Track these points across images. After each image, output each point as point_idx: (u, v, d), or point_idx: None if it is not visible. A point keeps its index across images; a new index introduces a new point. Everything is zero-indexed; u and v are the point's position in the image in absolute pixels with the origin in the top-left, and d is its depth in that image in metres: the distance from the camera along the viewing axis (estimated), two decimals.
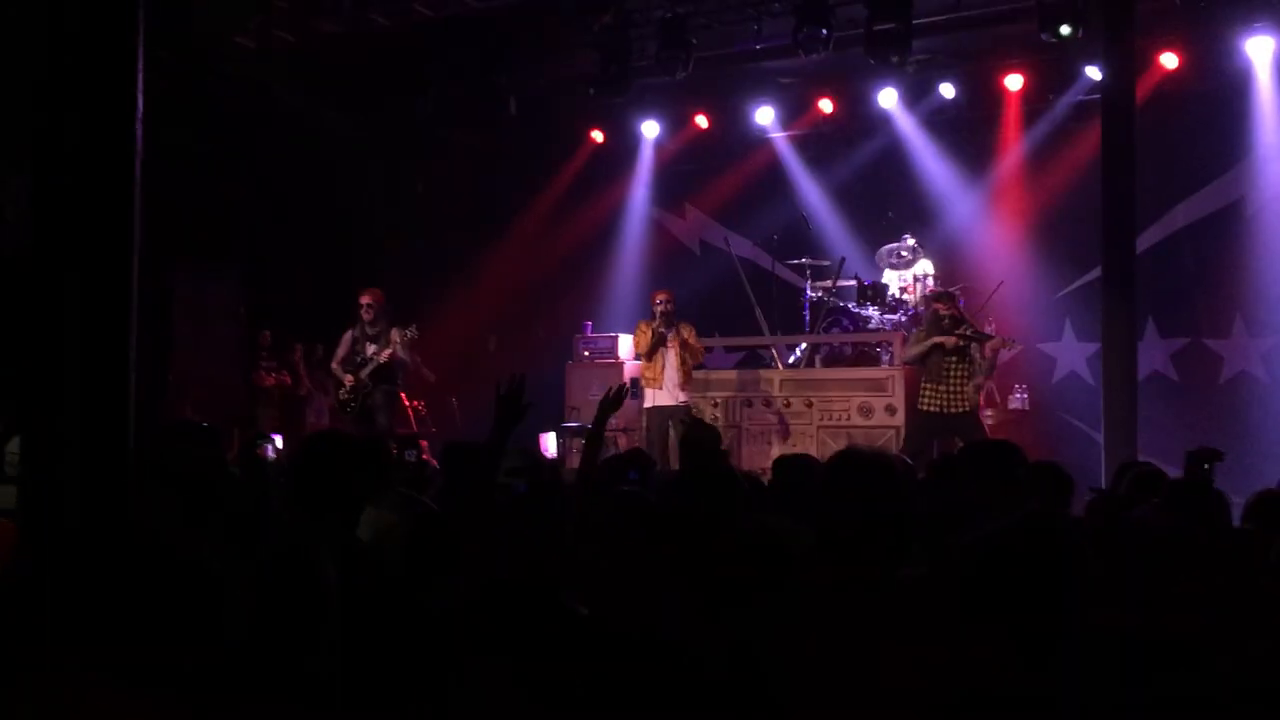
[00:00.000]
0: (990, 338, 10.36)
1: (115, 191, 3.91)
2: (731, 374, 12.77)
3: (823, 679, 2.55)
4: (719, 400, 12.29)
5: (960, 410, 10.08)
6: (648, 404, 11.38)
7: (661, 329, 11.23)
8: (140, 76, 4.03)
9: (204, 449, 3.79)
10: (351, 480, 3.67)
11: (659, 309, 11.34)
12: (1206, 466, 5.03)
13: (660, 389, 11.25)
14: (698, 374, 12.66)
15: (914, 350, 10.68)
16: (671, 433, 10.96)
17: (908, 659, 2.51)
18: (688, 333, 11.34)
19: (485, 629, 2.96)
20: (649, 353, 11.29)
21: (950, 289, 12.70)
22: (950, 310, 10.33)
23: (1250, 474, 5.36)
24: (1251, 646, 2.56)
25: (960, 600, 2.62)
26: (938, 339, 10.21)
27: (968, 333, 10.21)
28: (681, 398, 11.27)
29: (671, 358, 11.18)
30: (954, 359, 10.11)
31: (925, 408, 10.25)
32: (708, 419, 11.44)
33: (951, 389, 10.09)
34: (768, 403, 12.08)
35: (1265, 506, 4.47)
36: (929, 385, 10.21)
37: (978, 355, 10.16)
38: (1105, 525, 3.95)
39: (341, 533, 3.50)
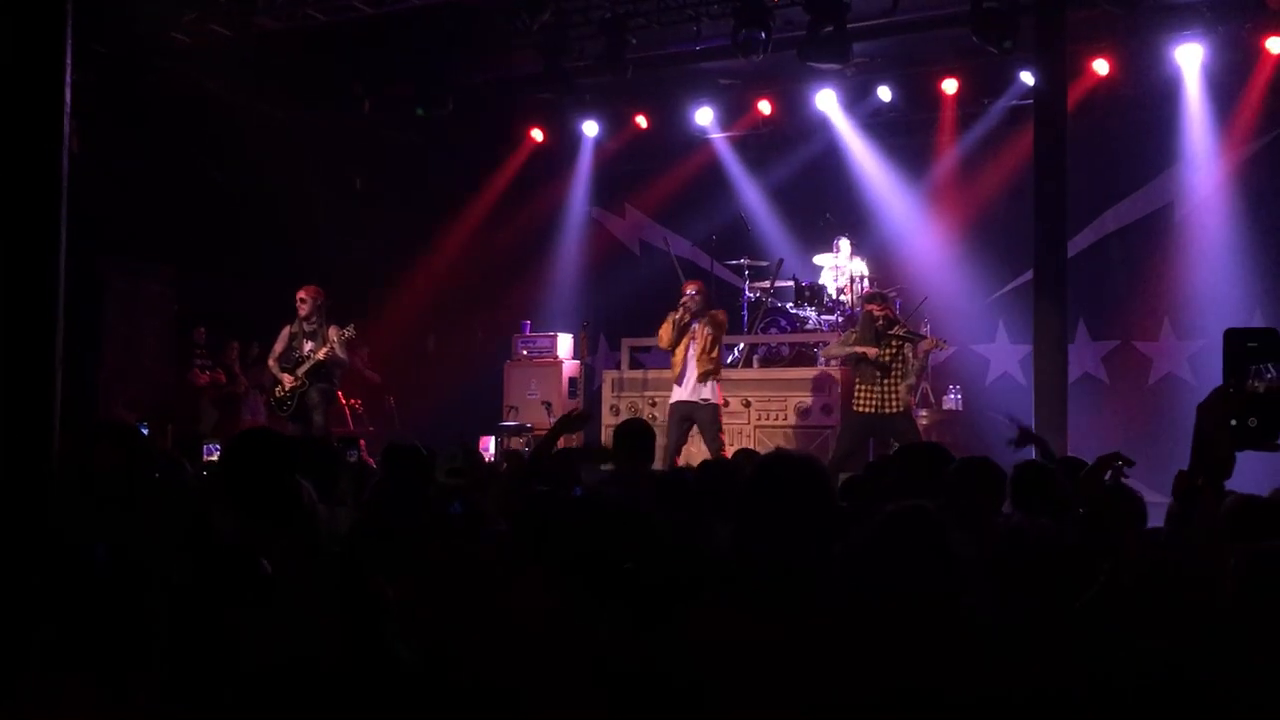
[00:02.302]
0: (923, 338, 10.47)
1: (41, 185, 3.86)
2: (670, 373, 12.79)
3: (737, 683, 2.57)
4: (657, 399, 12.32)
5: (893, 411, 10.17)
6: (670, 399, 10.92)
7: (686, 320, 10.69)
8: (69, 69, 3.98)
9: (126, 447, 3.75)
10: (283, 478, 3.64)
11: (685, 301, 10.77)
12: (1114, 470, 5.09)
13: (680, 384, 10.75)
14: (634, 373, 12.70)
15: (836, 350, 10.79)
16: (693, 431, 10.63)
17: (823, 660, 2.54)
18: (713, 324, 10.67)
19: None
20: (673, 344, 10.79)
21: (885, 291, 12.84)
22: (884, 311, 10.42)
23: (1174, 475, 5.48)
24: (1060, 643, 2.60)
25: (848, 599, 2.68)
26: (859, 349, 10.27)
27: (901, 333, 10.30)
28: (704, 394, 10.60)
29: (694, 351, 10.65)
30: (887, 359, 10.19)
31: (859, 408, 10.32)
32: (645, 418, 11.45)
33: (884, 390, 10.17)
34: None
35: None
36: (862, 386, 10.28)
37: (911, 356, 10.26)
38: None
39: (276, 531, 3.47)
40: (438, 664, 2.81)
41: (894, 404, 10.15)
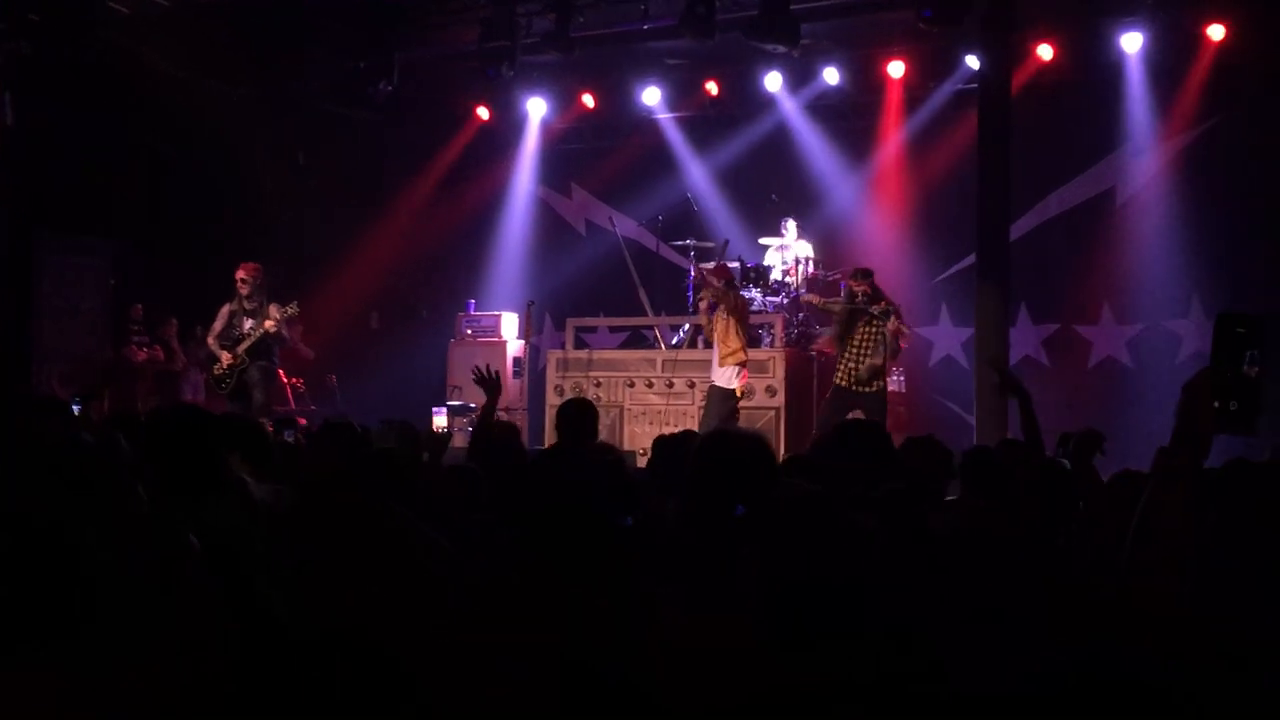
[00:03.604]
0: (890, 316, 10.34)
1: None
2: (615, 354, 12.81)
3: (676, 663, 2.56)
4: (601, 380, 12.31)
5: (862, 390, 10.26)
6: None
7: (704, 308, 10.78)
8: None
9: (51, 421, 3.68)
10: (204, 454, 3.57)
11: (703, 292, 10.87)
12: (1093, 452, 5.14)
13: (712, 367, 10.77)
14: (579, 353, 12.68)
15: (813, 299, 11.17)
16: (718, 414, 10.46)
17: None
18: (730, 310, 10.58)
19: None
20: (709, 330, 10.80)
21: (834, 273, 12.91)
22: (862, 287, 10.44)
23: (1114, 456, 5.53)
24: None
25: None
26: (831, 307, 10.42)
27: (874, 310, 10.31)
28: (718, 378, 10.55)
29: (719, 332, 10.56)
30: (862, 334, 10.28)
31: (835, 380, 10.48)
32: (590, 399, 11.42)
33: (852, 364, 10.30)
34: (650, 383, 12.14)
35: (1124, 486, 4.60)
36: (838, 359, 10.47)
37: (880, 335, 10.23)
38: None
39: (200, 508, 3.41)
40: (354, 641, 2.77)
41: (862, 379, 10.23)
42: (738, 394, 10.59)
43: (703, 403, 11.07)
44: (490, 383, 6.10)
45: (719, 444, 3.19)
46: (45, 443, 3.11)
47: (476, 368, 6.32)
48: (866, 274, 10.65)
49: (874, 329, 10.28)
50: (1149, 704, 2.13)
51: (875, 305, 10.36)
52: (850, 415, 10.28)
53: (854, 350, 10.33)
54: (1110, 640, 2.44)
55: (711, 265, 11.40)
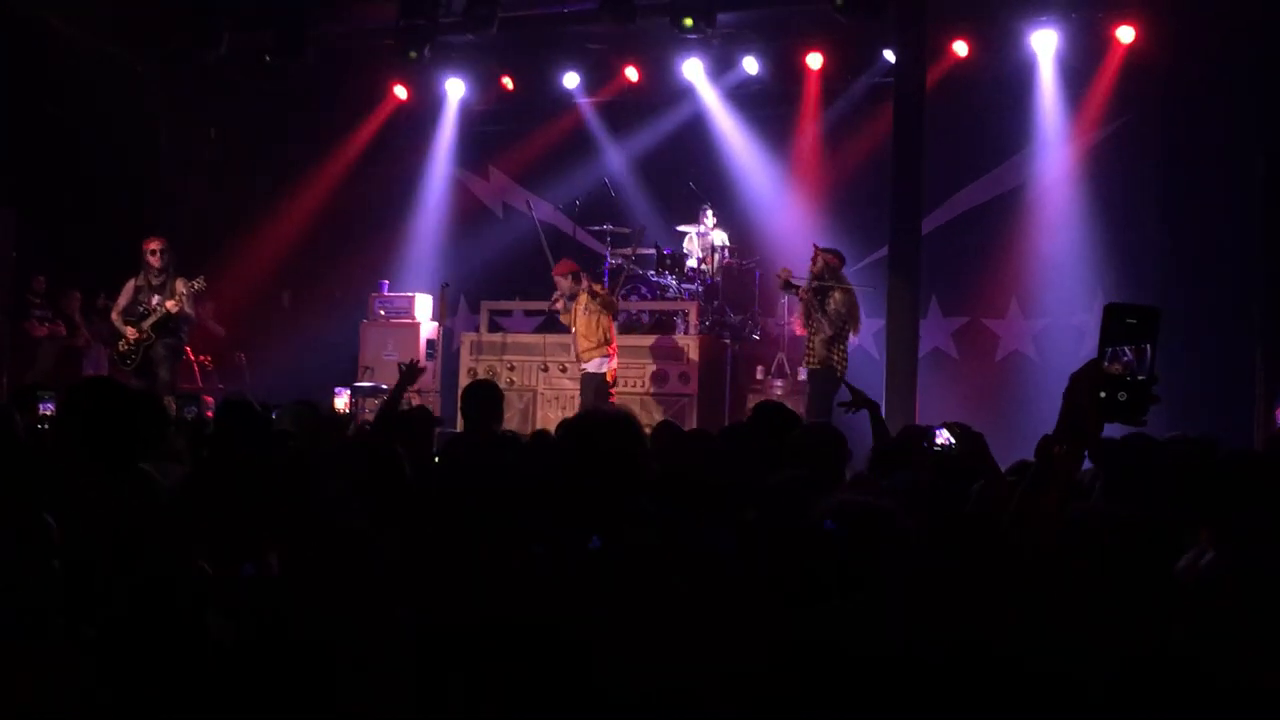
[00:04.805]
0: (831, 292, 10.26)
1: None
2: (529, 338, 12.77)
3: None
4: (515, 364, 12.27)
5: (813, 367, 10.29)
6: None
7: (558, 307, 11.27)
8: None
9: None
10: (119, 431, 3.52)
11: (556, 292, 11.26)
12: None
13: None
14: (493, 336, 12.63)
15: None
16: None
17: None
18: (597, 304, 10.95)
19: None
20: (571, 325, 11.16)
21: (749, 261, 12.98)
22: (815, 269, 10.39)
23: (1017, 447, 5.64)
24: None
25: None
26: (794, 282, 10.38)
27: (810, 285, 10.28)
28: (589, 368, 10.91)
29: (585, 326, 10.90)
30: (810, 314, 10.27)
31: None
32: (503, 383, 11.39)
33: (808, 345, 10.34)
34: (564, 368, 12.12)
35: (1020, 477, 4.69)
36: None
37: (820, 311, 10.16)
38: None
39: (109, 484, 3.36)
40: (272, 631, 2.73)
41: (812, 359, 10.24)
42: (609, 380, 10.88)
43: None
44: (410, 370, 6.17)
45: (583, 425, 3.25)
46: None
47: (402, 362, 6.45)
48: (832, 252, 10.54)
49: (817, 304, 10.23)
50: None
51: (818, 281, 10.31)
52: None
53: (809, 329, 10.36)
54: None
55: (558, 264, 11.47)
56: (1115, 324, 2.29)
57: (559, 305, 11.23)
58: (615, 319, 11.29)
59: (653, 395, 11.83)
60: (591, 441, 3.18)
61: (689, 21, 11.16)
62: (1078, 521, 2.52)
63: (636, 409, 11.24)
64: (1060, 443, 2.38)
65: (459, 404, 6.63)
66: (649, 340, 12.14)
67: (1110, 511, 2.72)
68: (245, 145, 14.77)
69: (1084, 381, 2.31)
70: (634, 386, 11.90)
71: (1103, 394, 2.28)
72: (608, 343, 10.92)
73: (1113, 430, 2.45)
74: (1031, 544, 2.41)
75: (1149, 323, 2.28)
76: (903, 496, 3.69)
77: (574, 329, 11.05)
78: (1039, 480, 2.43)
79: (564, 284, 11.12)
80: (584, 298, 10.95)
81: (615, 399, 10.98)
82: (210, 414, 10.77)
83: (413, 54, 12.35)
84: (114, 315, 10.72)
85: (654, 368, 11.92)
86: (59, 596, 2.38)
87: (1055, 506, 2.41)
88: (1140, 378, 2.27)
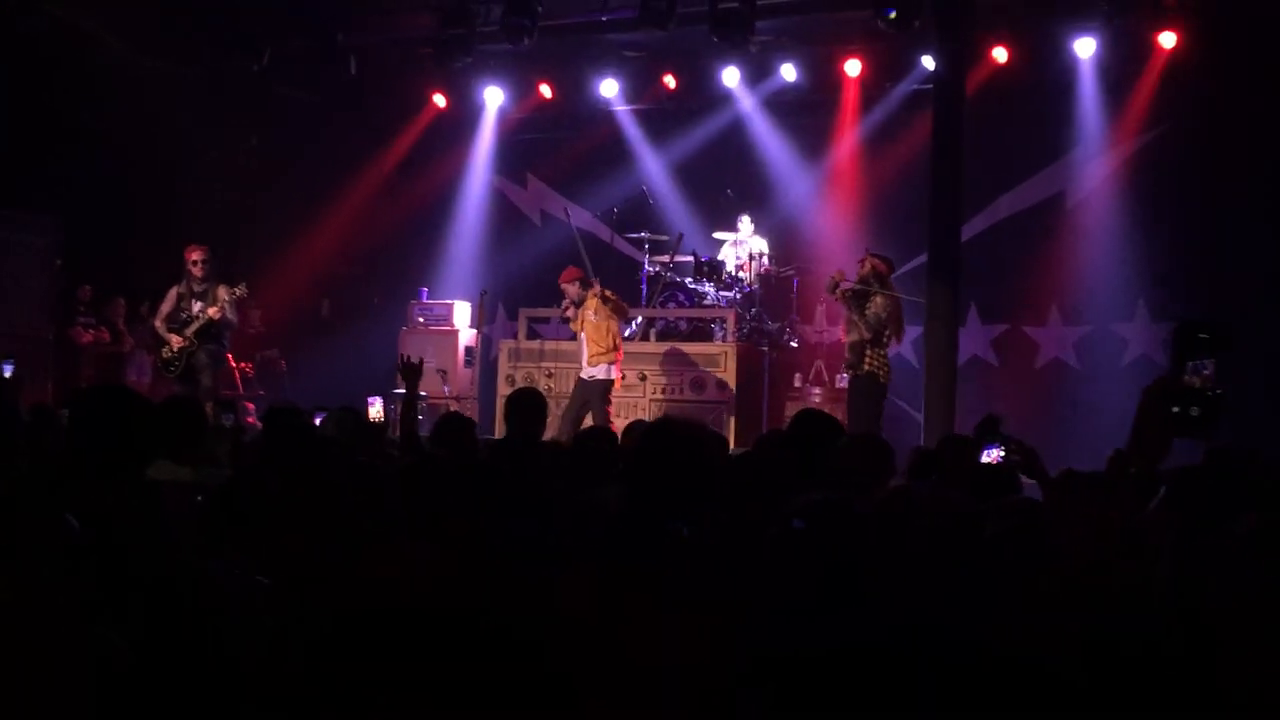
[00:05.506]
0: (870, 296, 10.15)
1: None
2: (567, 345, 12.78)
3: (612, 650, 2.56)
4: (553, 370, 12.30)
5: (853, 373, 10.22)
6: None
7: (568, 314, 11.24)
8: None
9: None
10: (127, 436, 3.51)
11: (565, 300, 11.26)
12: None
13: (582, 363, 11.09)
14: (531, 343, 12.66)
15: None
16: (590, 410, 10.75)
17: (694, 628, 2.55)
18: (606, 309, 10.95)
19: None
20: (577, 331, 11.19)
21: (788, 269, 12.96)
22: (858, 273, 10.32)
23: (1060, 457, 5.59)
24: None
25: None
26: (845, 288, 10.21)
27: (850, 287, 10.20)
28: (595, 373, 10.83)
29: (586, 336, 10.94)
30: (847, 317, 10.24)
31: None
32: (541, 389, 11.41)
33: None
34: None
35: (1065, 485, 4.64)
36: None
37: (857, 314, 10.07)
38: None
39: (112, 490, 3.35)
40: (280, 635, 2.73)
41: (850, 363, 10.18)
42: (616, 387, 10.97)
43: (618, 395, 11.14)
44: (411, 369, 6.16)
45: (662, 433, 3.20)
46: None
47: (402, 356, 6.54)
48: (879, 258, 10.41)
49: (855, 307, 10.15)
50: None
51: (864, 284, 10.19)
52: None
53: (847, 333, 10.31)
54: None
55: (563, 272, 11.46)
56: (1188, 339, 2.28)
57: (569, 313, 11.26)
58: (625, 324, 11.37)
59: (690, 402, 11.81)
60: (671, 450, 3.12)
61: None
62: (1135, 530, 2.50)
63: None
64: (1130, 458, 2.36)
65: (502, 411, 6.66)
66: (686, 347, 12.14)
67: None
68: (285, 155, 14.89)
69: (1156, 397, 2.30)
70: (672, 393, 11.91)
71: (1175, 409, 2.27)
72: (616, 348, 10.97)
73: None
74: (1082, 552, 2.39)
75: (1221, 337, 2.27)
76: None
77: (581, 335, 11.08)
78: (1110, 493, 2.41)
79: (571, 290, 11.15)
80: (593, 303, 10.98)
81: (666, 409, 11.02)
82: (250, 419, 10.90)
83: (463, 60, 12.44)
84: (157, 322, 10.84)
85: (692, 375, 11.91)
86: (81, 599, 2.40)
87: (1120, 519, 2.40)
88: (1218, 391, 2.26)
